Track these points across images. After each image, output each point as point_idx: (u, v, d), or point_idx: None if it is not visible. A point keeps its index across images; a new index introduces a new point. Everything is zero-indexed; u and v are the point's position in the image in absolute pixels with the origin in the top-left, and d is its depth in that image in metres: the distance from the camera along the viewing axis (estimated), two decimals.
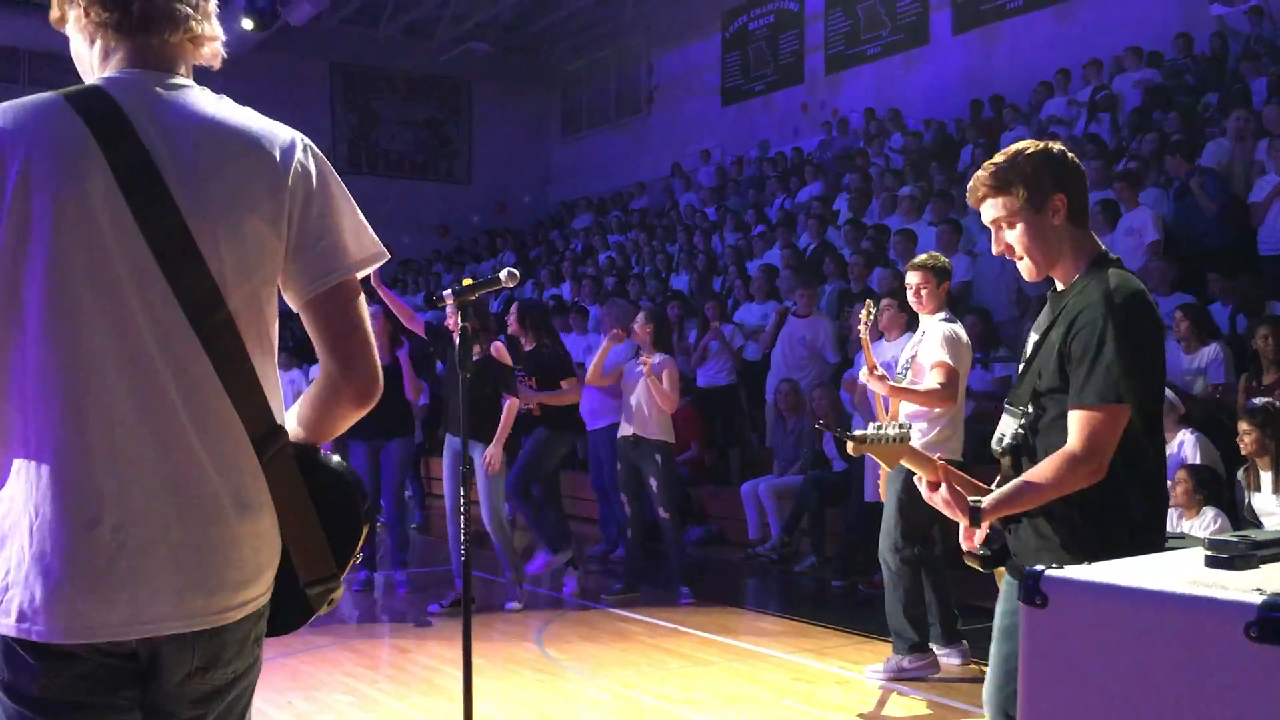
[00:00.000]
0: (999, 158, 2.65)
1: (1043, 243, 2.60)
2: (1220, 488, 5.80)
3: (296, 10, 15.86)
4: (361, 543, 1.87)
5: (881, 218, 11.62)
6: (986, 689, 2.78)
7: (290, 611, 1.84)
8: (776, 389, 9.08)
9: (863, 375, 5.33)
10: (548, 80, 22.54)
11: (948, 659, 5.47)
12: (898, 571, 5.27)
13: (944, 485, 2.63)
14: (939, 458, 2.81)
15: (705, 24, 18.97)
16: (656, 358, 7.05)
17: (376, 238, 1.87)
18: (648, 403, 7.05)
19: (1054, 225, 2.59)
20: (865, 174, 13.16)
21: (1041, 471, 2.50)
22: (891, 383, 5.21)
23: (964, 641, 5.57)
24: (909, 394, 5.21)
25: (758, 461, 9.82)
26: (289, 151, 1.79)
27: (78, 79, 1.84)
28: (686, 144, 18.62)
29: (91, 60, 1.82)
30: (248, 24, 15.26)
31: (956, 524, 2.68)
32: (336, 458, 1.91)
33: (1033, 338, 2.70)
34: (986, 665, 2.82)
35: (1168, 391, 6.25)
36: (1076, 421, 2.47)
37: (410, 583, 7.58)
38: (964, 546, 2.68)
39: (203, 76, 1.87)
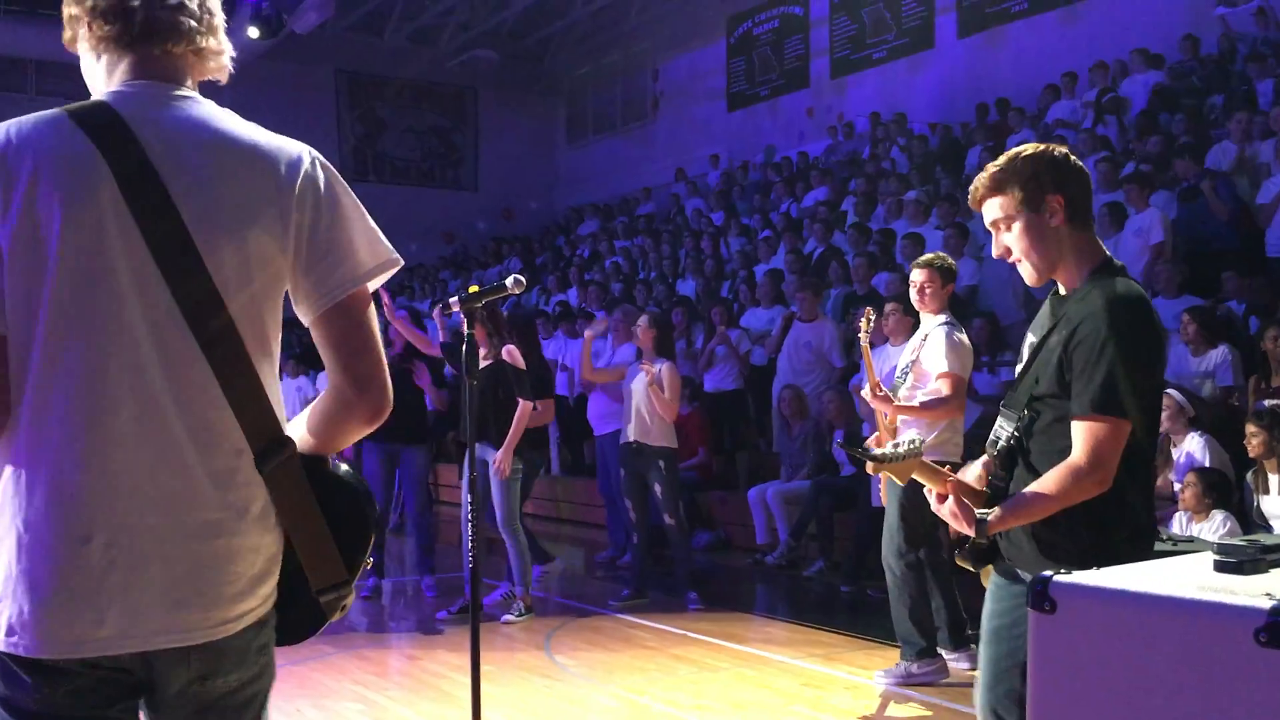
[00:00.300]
0: (999, 160, 2.66)
1: (1040, 244, 2.59)
2: (1229, 491, 5.77)
3: (302, 18, 15.90)
4: (371, 548, 1.87)
5: (887, 222, 11.60)
6: (976, 690, 2.79)
7: (303, 619, 1.84)
8: (780, 394, 9.07)
9: (865, 394, 5.25)
10: (553, 87, 22.56)
11: (956, 664, 5.45)
12: (902, 577, 5.25)
13: (951, 498, 2.63)
14: (936, 460, 2.81)
15: (710, 29, 18.97)
16: (658, 364, 7.02)
17: (390, 246, 1.86)
18: (649, 409, 7.02)
19: (1052, 226, 2.58)
20: (871, 178, 13.14)
21: (1047, 483, 2.50)
22: (897, 402, 5.13)
23: (972, 646, 5.53)
24: (915, 412, 5.16)
25: (765, 466, 9.79)
26: (295, 165, 1.78)
27: (84, 88, 1.86)
28: (692, 149, 18.63)
29: (99, 76, 1.82)
30: (254, 32, 15.32)
31: None
32: (345, 466, 1.90)
33: (1030, 339, 2.69)
34: None
35: (1177, 394, 6.23)
36: (1080, 433, 2.47)
37: (437, 587, 7.50)
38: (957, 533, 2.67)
39: (208, 83, 1.88)
